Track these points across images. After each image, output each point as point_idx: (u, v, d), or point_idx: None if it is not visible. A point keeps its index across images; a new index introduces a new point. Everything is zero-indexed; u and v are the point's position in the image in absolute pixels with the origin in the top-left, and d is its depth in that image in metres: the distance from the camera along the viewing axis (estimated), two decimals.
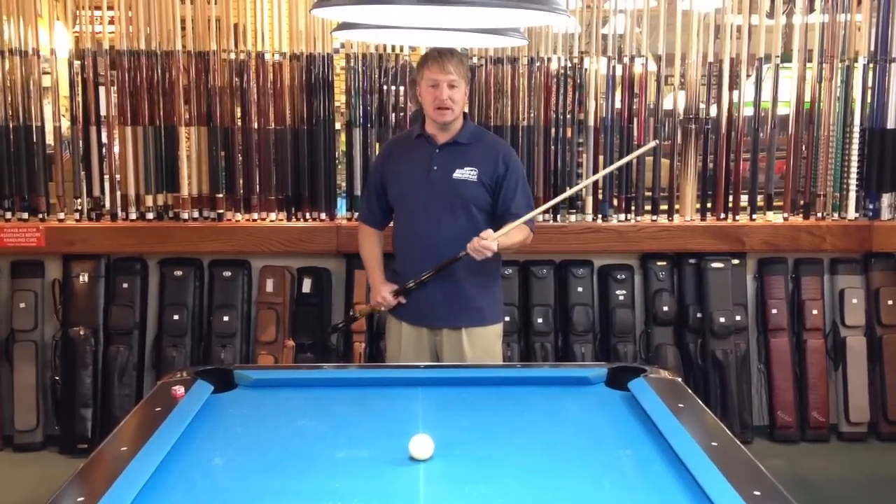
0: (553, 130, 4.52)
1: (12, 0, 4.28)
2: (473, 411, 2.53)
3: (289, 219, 4.51)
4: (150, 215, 4.46)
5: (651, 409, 2.41)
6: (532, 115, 4.50)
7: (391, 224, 3.58)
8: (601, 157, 4.53)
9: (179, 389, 2.50)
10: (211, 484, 2.03)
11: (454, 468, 2.10)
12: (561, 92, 4.51)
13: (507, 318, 3.96)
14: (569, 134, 4.54)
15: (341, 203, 4.59)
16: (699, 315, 4.56)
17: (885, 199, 4.58)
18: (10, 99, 4.35)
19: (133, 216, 4.44)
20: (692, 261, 4.60)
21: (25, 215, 4.42)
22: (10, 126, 4.37)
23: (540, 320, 4.51)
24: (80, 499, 1.86)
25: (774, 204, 4.66)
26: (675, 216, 4.61)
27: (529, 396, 2.67)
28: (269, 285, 4.50)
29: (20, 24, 4.30)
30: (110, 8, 4.38)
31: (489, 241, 3.19)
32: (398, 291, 3.40)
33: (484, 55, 4.47)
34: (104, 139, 4.46)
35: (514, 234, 3.31)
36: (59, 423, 4.48)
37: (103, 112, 4.42)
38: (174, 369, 3.63)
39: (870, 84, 4.55)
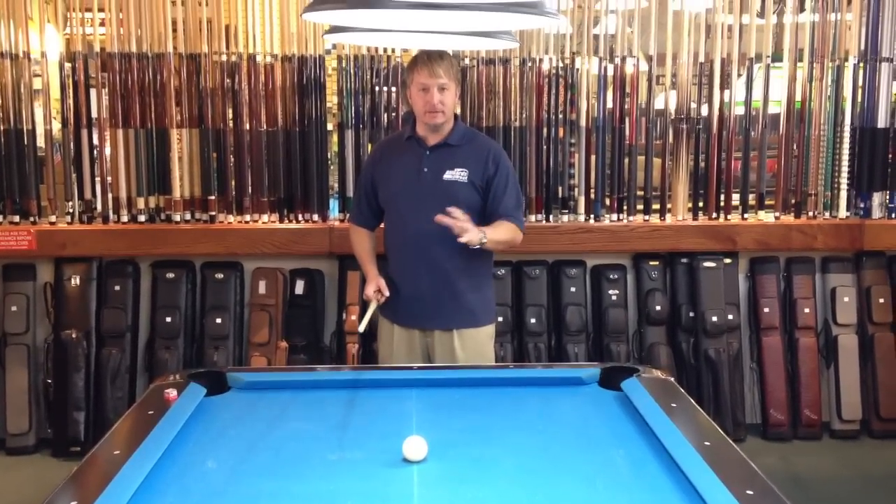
0: (545, 131, 4.53)
1: (2, 3, 4.26)
2: (467, 412, 2.54)
3: (281, 220, 4.51)
4: (141, 218, 4.45)
5: (644, 408, 2.41)
6: (524, 115, 4.50)
7: (382, 225, 3.57)
8: (593, 157, 4.54)
9: (172, 392, 2.50)
10: (204, 487, 2.03)
11: (448, 469, 2.10)
12: (553, 92, 4.52)
13: (500, 319, 3.96)
14: (560, 134, 4.55)
15: (334, 204, 4.58)
16: (691, 314, 4.57)
17: (876, 197, 4.59)
18: (0, 102, 4.34)
19: (125, 219, 4.44)
20: (684, 260, 4.61)
21: (17, 218, 4.41)
22: (1, 129, 4.36)
23: (533, 320, 4.51)
24: (73, 502, 1.86)
25: (766, 203, 4.66)
26: (668, 216, 4.63)
27: (523, 397, 2.68)
28: (262, 287, 4.50)
29: (10, 26, 4.29)
30: (101, 10, 4.37)
31: (471, 230, 3.11)
32: (382, 295, 3.34)
33: (475, 56, 4.47)
34: (95, 142, 4.45)
35: (501, 230, 3.29)
36: (51, 426, 4.47)
37: (94, 114, 4.42)
38: (167, 372, 3.63)
39: (860, 83, 4.57)
